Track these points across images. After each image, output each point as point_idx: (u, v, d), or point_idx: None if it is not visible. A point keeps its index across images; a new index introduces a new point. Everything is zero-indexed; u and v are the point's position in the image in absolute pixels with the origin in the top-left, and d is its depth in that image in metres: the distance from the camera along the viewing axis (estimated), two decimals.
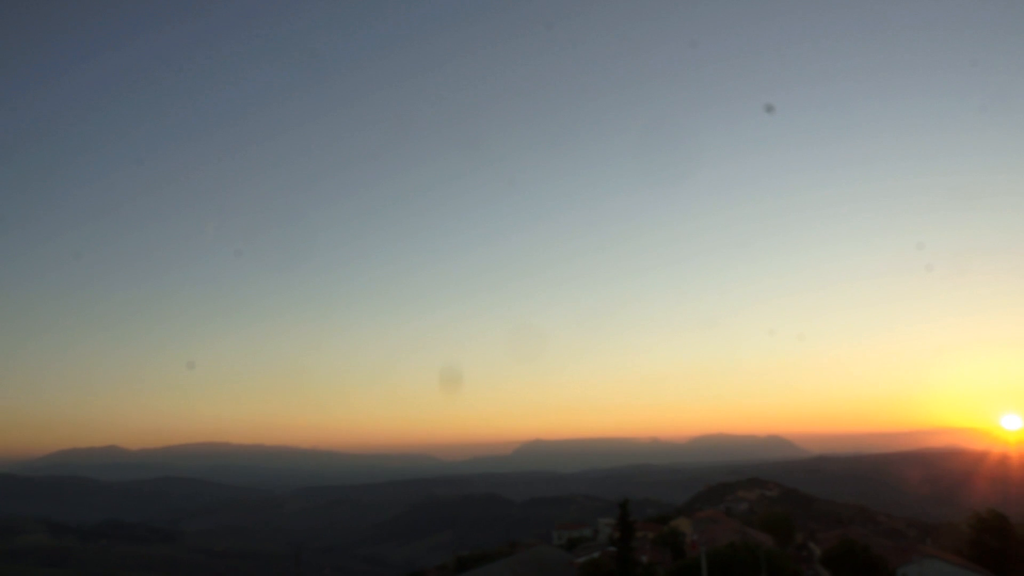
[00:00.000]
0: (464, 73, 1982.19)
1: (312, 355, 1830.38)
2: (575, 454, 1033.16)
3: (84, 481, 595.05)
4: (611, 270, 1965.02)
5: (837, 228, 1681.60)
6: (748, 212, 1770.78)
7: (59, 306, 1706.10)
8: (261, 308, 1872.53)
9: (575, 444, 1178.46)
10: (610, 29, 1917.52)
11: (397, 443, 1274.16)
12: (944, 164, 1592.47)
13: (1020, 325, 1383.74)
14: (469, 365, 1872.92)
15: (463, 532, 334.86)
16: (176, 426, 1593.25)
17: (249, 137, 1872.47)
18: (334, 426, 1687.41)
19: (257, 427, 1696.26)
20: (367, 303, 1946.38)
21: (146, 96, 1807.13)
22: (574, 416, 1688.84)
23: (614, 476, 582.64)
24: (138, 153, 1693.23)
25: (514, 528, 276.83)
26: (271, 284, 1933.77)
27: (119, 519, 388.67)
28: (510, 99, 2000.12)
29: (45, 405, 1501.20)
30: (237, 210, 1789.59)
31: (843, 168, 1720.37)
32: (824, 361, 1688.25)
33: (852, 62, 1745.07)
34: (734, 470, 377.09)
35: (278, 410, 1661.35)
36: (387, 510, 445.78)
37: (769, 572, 65.01)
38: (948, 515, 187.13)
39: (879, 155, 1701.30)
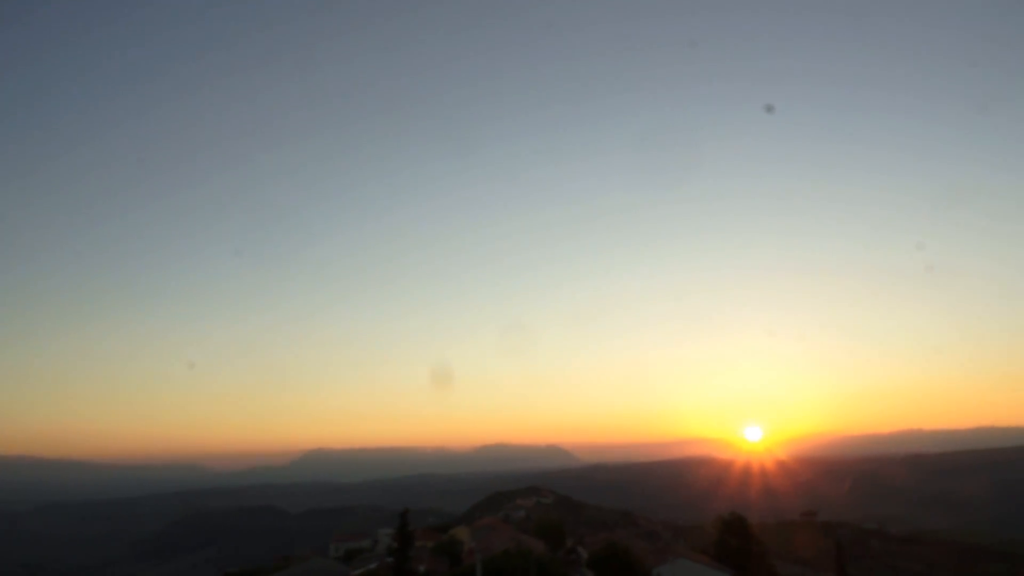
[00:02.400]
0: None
1: (45, 355, 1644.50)
2: (359, 464, 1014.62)
3: None
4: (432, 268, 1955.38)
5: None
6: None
7: None
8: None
9: (359, 454, 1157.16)
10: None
11: (160, 452, 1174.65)
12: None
13: (761, 342, 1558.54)
14: (248, 370, 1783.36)
15: (233, 546, 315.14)
16: None
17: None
18: (87, 432, 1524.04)
19: None
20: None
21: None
22: (360, 424, 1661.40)
23: (398, 486, 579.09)
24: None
25: (290, 541, 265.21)
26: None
27: None
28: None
29: None
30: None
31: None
32: (594, 376, 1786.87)
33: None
34: (515, 479, 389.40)
35: (12, 415, 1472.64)
36: (146, 525, 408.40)
37: None
38: (699, 518, 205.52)
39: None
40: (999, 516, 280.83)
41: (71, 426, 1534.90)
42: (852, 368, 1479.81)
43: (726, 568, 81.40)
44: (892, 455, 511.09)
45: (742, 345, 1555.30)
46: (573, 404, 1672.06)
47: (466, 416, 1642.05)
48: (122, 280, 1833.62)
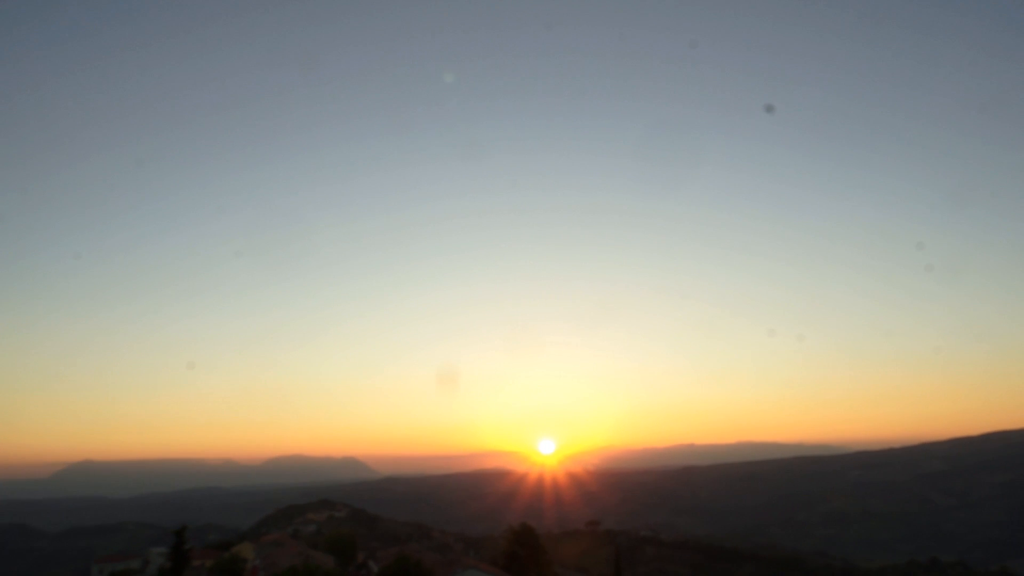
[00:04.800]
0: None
1: None
2: (133, 477, 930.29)
3: None
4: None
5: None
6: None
7: None
8: None
9: (133, 466, 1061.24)
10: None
11: None
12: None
13: (558, 357, 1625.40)
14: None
15: None
16: None
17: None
18: None
19: None
20: None
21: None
22: (134, 435, 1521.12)
23: (178, 500, 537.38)
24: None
25: (45, 564, 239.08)
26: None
27: None
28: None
29: None
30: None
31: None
32: (393, 386, 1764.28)
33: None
34: (308, 492, 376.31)
35: None
36: None
37: None
38: (492, 529, 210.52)
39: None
40: (753, 523, 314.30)
41: None
42: (640, 385, 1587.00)
43: None
44: (667, 467, 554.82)
45: (541, 359, 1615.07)
46: (371, 415, 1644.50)
47: (257, 426, 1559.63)
48: None
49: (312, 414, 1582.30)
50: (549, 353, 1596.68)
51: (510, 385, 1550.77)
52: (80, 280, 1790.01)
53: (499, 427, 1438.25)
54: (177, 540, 68.78)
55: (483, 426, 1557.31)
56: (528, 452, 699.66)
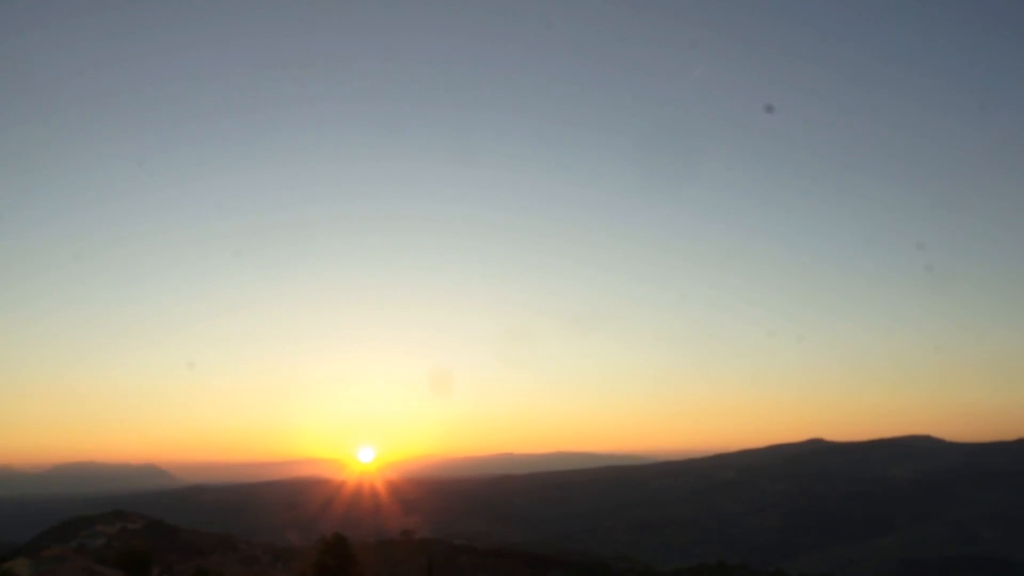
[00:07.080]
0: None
1: None
2: None
3: None
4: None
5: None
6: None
7: None
8: None
9: None
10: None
11: None
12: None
13: (379, 363, 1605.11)
14: None
15: None
16: None
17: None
18: None
19: None
20: None
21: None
22: None
23: None
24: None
25: None
26: None
27: None
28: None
29: None
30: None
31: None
32: (197, 388, 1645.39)
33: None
34: (99, 502, 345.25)
35: None
36: None
37: None
38: (305, 540, 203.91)
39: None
40: (563, 530, 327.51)
41: None
42: (462, 394, 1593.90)
43: None
44: (485, 476, 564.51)
45: (360, 365, 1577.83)
46: (174, 418, 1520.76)
47: (40, 428, 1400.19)
48: None
49: (106, 416, 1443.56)
50: (369, 359, 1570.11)
51: (330, 391, 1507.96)
52: None
53: (317, 434, 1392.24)
54: None
55: (300, 432, 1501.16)
56: (347, 460, 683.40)
